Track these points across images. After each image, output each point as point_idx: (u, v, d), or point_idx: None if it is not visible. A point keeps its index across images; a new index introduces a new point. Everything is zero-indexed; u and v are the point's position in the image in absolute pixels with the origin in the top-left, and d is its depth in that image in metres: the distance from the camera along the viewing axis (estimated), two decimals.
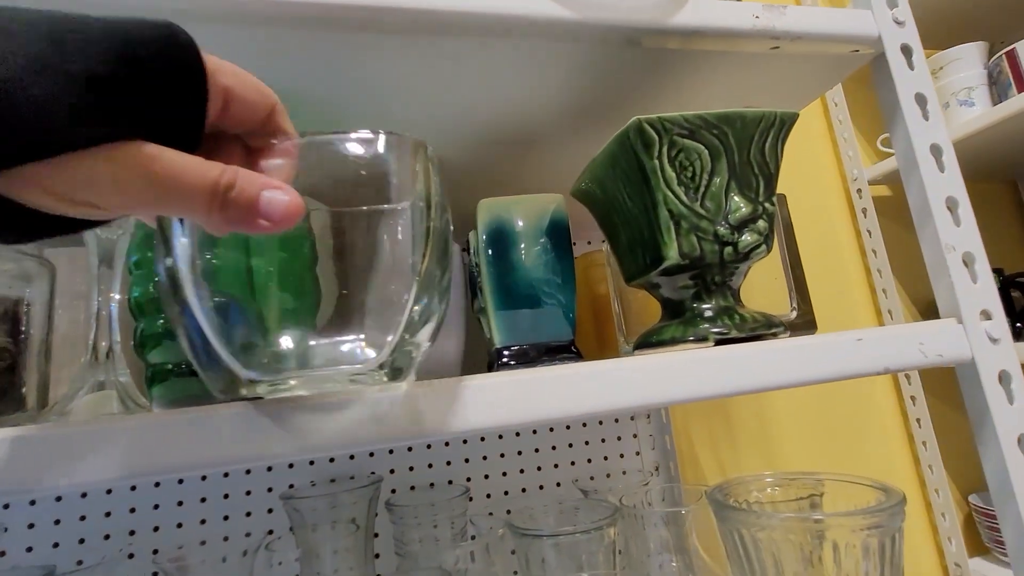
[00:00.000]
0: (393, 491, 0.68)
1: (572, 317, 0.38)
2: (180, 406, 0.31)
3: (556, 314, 0.37)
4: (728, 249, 0.30)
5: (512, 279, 0.37)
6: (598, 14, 0.31)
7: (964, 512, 0.89)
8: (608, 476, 0.75)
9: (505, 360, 0.37)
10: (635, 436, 0.77)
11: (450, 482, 0.70)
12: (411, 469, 0.69)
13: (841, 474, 0.38)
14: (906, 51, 0.36)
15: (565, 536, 0.40)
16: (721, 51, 0.35)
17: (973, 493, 0.87)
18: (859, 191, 0.94)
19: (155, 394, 0.31)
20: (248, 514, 0.61)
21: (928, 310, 0.95)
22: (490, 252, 0.37)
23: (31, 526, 0.56)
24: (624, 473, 0.75)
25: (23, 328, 0.39)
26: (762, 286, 0.41)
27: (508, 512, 0.71)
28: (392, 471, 0.68)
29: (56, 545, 0.57)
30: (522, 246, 0.37)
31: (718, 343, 0.29)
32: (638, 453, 0.76)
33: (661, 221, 0.29)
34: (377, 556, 0.64)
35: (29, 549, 0.56)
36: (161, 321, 0.31)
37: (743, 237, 0.30)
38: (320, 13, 0.28)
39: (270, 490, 0.63)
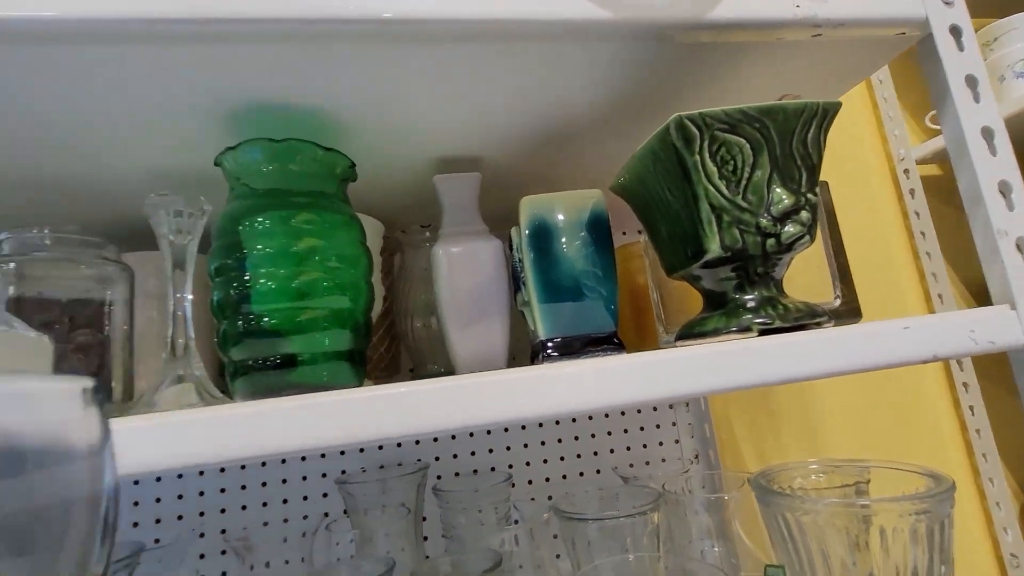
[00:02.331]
0: (439, 477, 0.71)
1: (614, 309, 0.39)
2: (256, 397, 0.34)
3: (598, 306, 0.38)
4: (771, 241, 0.30)
5: (555, 273, 0.38)
6: (635, 13, 0.32)
7: (1021, 501, 0.86)
8: (647, 464, 0.75)
9: (550, 351, 0.38)
10: (674, 424, 0.77)
11: (493, 469, 0.72)
12: (455, 457, 0.72)
13: (888, 461, 0.38)
14: (955, 32, 0.35)
15: (610, 520, 0.42)
16: (760, 42, 0.35)
17: None
18: (906, 171, 0.90)
19: (237, 387, 0.33)
20: (305, 498, 0.65)
21: (981, 293, 0.91)
22: (533, 247, 0.38)
23: None
24: (663, 461, 0.76)
25: (107, 326, 0.43)
26: (805, 274, 0.41)
27: (550, 498, 0.73)
28: (437, 458, 0.71)
29: (136, 524, 0.62)
30: (564, 240, 0.38)
31: (762, 333, 0.30)
32: (677, 441, 0.77)
33: (703, 215, 0.30)
34: (426, 539, 0.67)
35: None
36: (240, 322, 0.33)
37: (786, 229, 0.30)
38: (361, 29, 0.30)
39: (324, 476, 0.67)
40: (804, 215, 0.30)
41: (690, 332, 0.34)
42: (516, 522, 0.63)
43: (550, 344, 0.38)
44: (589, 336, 0.38)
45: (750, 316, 0.30)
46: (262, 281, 0.34)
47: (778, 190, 0.30)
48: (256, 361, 0.34)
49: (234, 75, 0.33)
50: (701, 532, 0.49)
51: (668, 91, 0.41)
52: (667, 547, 0.44)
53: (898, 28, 0.36)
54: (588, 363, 0.28)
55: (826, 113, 0.30)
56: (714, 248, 0.30)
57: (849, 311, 0.42)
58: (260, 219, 0.35)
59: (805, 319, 0.30)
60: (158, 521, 0.63)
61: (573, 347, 0.38)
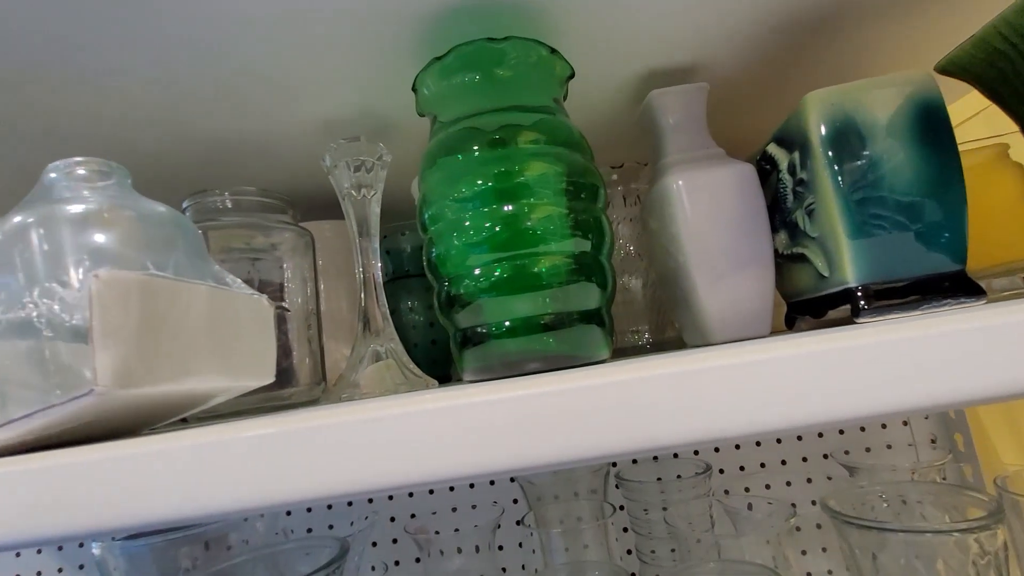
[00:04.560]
0: (614, 464, 0.62)
1: (960, 238, 0.27)
2: (494, 372, 0.26)
3: (935, 235, 0.27)
4: None
5: (869, 191, 0.27)
6: None
7: None
8: (868, 450, 0.62)
9: (862, 304, 0.27)
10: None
11: (675, 455, 0.62)
12: None
13: None
14: None
15: (933, 535, 0.30)
16: None
17: None
18: None
19: (467, 360, 0.26)
20: (492, 483, 0.59)
21: None
22: (834, 158, 0.27)
23: None
24: (889, 448, 0.62)
25: (285, 299, 0.38)
26: None
27: (747, 490, 0.62)
28: None
29: (309, 510, 0.60)
30: (878, 146, 0.27)
31: None
32: (906, 423, 0.62)
33: None
34: (626, 531, 0.59)
35: (288, 513, 0.60)
36: (467, 280, 0.26)
37: None
38: None
39: None
40: None
41: None
42: (712, 519, 0.53)
43: (861, 292, 0.27)
44: (923, 279, 0.27)
45: None
46: (485, 224, 0.26)
47: None
48: (485, 327, 0.26)
49: None
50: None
51: None
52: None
53: None
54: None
55: None
56: None
57: None
58: (474, 145, 0.27)
59: None
60: (329, 507, 0.60)
61: (905, 294, 0.27)
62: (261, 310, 0.23)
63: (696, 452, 0.62)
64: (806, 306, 0.33)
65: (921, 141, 0.27)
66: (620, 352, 0.45)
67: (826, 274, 0.29)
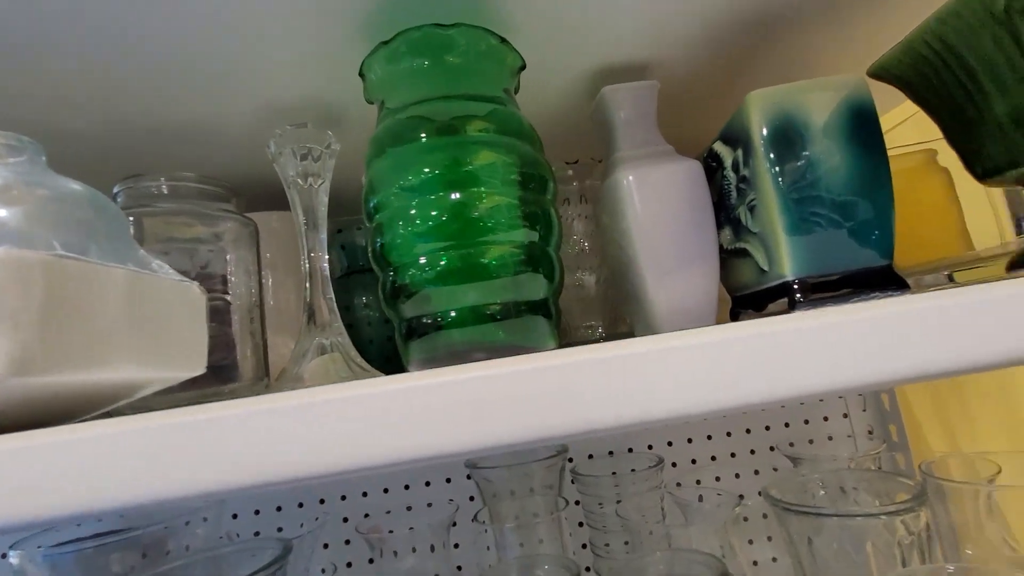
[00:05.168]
0: (570, 459, 0.63)
1: (888, 234, 0.28)
2: (440, 363, 0.26)
3: (866, 231, 0.28)
4: None
5: (807, 191, 0.28)
6: None
7: None
8: (811, 442, 0.64)
9: (799, 295, 0.28)
10: (840, 396, 0.65)
11: (630, 450, 0.63)
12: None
13: None
14: None
15: (864, 519, 0.32)
16: None
17: None
18: None
19: (412, 351, 0.26)
20: (448, 480, 0.59)
21: None
22: (774, 156, 0.28)
23: None
24: (830, 439, 0.64)
25: (229, 291, 0.37)
26: None
27: (698, 482, 0.64)
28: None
29: (257, 512, 0.58)
30: (815, 145, 0.28)
31: None
32: (846, 415, 0.65)
33: None
34: (581, 525, 0.59)
35: (235, 516, 0.58)
36: (412, 269, 0.26)
37: None
38: None
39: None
40: None
41: None
42: (663, 511, 0.54)
43: (797, 285, 0.29)
44: (853, 273, 0.28)
45: None
46: (432, 213, 0.26)
47: None
48: (430, 318, 0.26)
49: None
50: (948, 531, 0.38)
51: None
52: (934, 553, 0.34)
53: None
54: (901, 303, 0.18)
55: None
56: None
57: None
58: (422, 133, 0.26)
59: None
60: (279, 509, 0.58)
61: (836, 287, 0.28)
62: (191, 298, 0.21)
63: (650, 447, 0.63)
64: (749, 300, 0.34)
65: (854, 142, 0.28)
66: (574, 346, 0.45)
67: (766, 268, 0.30)
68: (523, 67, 0.30)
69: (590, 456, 0.63)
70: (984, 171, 0.26)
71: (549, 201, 0.28)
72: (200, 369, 0.22)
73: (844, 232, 0.28)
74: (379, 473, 0.58)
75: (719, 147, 0.33)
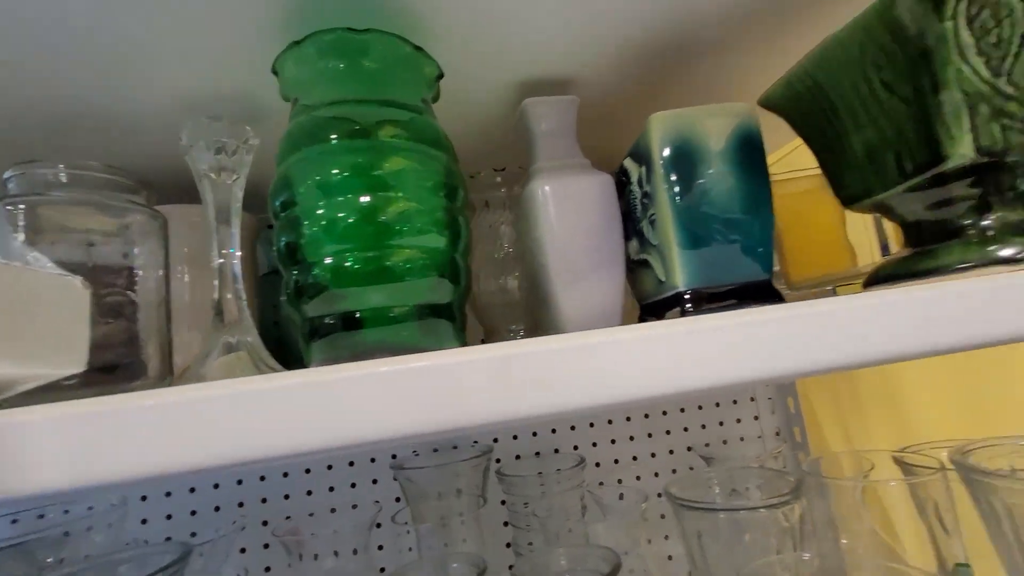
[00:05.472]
0: (498, 460, 0.64)
1: (768, 251, 0.31)
2: (341, 363, 0.26)
3: (749, 248, 0.31)
4: None
5: (699, 208, 0.30)
6: None
7: None
8: (725, 443, 0.68)
9: (689, 305, 0.31)
10: (752, 400, 0.70)
11: (556, 451, 0.65)
12: (515, 438, 0.65)
13: None
14: None
15: (747, 512, 0.35)
16: None
17: None
18: None
19: (315, 351, 0.26)
20: (375, 481, 0.58)
21: None
22: (671, 176, 0.30)
23: (144, 499, 0.55)
24: (742, 440, 0.69)
25: (136, 286, 0.36)
26: None
27: (619, 481, 0.66)
28: (496, 440, 0.64)
29: (169, 517, 0.56)
30: (707, 167, 0.31)
31: None
32: (756, 418, 0.70)
33: (947, 107, 0.22)
34: (506, 525, 0.60)
35: (144, 521, 0.55)
36: (316, 269, 0.26)
37: None
38: None
39: (373, 460, 0.60)
40: None
41: (902, 272, 0.26)
42: (584, 507, 0.56)
43: (688, 296, 0.31)
44: (738, 286, 0.31)
45: (1009, 245, 0.23)
46: (340, 215, 0.26)
47: None
48: (335, 318, 0.26)
49: None
50: (828, 523, 0.42)
51: None
52: (810, 543, 0.37)
53: None
54: (776, 310, 0.20)
55: None
56: (963, 152, 0.22)
57: None
58: (333, 135, 0.27)
59: None
60: (193, 513, 0.56)
61: (722, 299, 0.30)
62: (72, 292, 0.21)
63: (576, 447, 0.65)
64: (651, 308, 0.36)
65: (743, 166, 0.31)
66: None
67: (663, 279, 0.32)
68: (440, 76, 0.31)
69: (517, 457, 0.64)
70: (846, 198, 0.29)
71: (459, 208, 0.29)
72: (80, 366, 0.21)
73: (731, 248, 0.31)
74: (272, 465, 0.57)
75: (628, 163, 0.35)
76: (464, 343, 0.29)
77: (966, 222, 0.24)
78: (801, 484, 0.36)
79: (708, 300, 0.31)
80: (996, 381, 0.78)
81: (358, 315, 0.26)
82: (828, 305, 0.20)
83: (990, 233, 0.24)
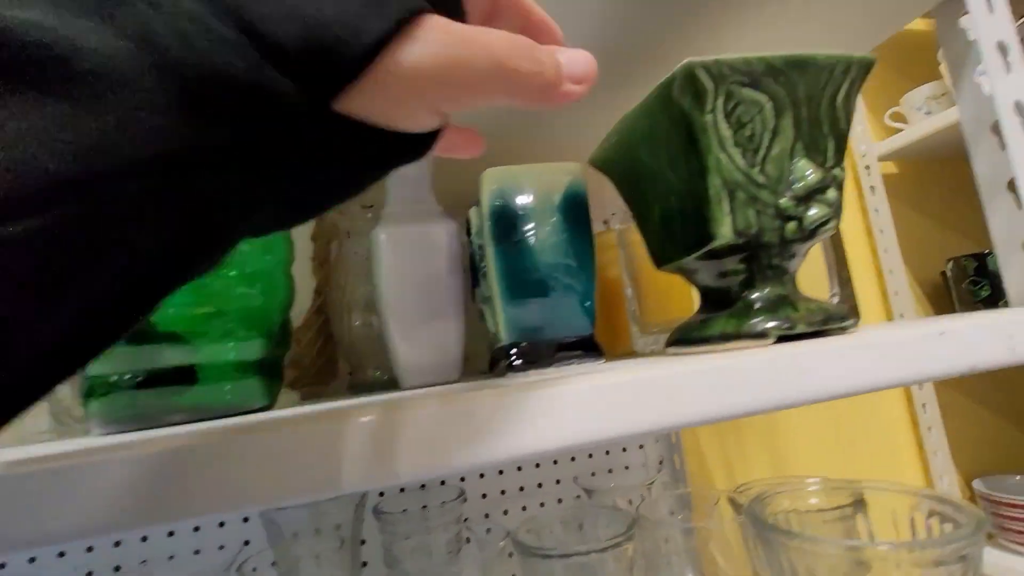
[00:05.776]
0: (381, 494, 0.62)
1: (591, 307, 0.32)
2: (122, 425, 0.25)
3: (573, 304, 0.32)
4: (791, 225, 0.24)
5: (523, 264, 0.31)
6: None
7: (966, 497, 0.88)
8: (610, 471, 0.70)
9: (513, 360, 0.31)
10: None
11: (442, 482, 0.65)
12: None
13: (888, 482, 0.34)
14: None
15: (579, 556, 0.36)
16: None
17: (977, 479, 0.85)
18: (867, 167, 0.90)
19: (92, 410, 0.24)
20: (221, 524, 0.55)
21: (935, 293, 0.92)
22: (497, 232, 0.31)
23: None
24: (627, 468, 0.71)
25: None
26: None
27: (505, 513, 0.67)
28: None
29: (33, 559, 0.51)
30: (534, 224, 0.32)
31: (779, 340, 0.24)
32: (641, 447, 0.72)
33: (712, 191, 0.24)
34: (365, 564, 0.59)
35: None
36: None
37: (810, 211, 0.24)
38: None
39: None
40: (831, 194, 0.25)
41: (688, 337, 0.28)
42: (468, 540, 0.56)
43: (515, 351, 0.32)
44: (561, 340, 0.32)
45: (763, 319, 0.25)
46: None
47: (802, 163, 0.24)
48: (126, 377, 0.25)
49: None
50: (675, 557, 0.44)
51: (662, 45, 0.35)
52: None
53: None
54: (564, 386, 0.21)
55: (861, 70, 0.25)
56: (724, 233, 0.24)
57: (847, 311, 0.37)
58: None
59: (832, 323, 0.25)
60: (32, 560, 0.51)
61: (542, 354, 0.31)
62: None
63: (463, 479, 0.65)
64: (494, 356, 0.37)
65: (569, 224, 0.32)
66: (365, 388, 0.46)
67: (493, 331, 0.33)
68: None
69: (402, 490, 0.63)
70: (655, 259, 0.31)
71: (279, 264, 0.28)
72: None
73: (554, 303, 0.32)
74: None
75: (472, 212, 0.36)
76: (274, 401, 0.28)
77: (741, 294, 0.26)
78: (633, 524, 0.37)
79: (530, 353, 0.31)
80: (862, 423, 0.86)
81: (161, 375, 0.25)
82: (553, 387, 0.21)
83: (757, 306, 0.26)
